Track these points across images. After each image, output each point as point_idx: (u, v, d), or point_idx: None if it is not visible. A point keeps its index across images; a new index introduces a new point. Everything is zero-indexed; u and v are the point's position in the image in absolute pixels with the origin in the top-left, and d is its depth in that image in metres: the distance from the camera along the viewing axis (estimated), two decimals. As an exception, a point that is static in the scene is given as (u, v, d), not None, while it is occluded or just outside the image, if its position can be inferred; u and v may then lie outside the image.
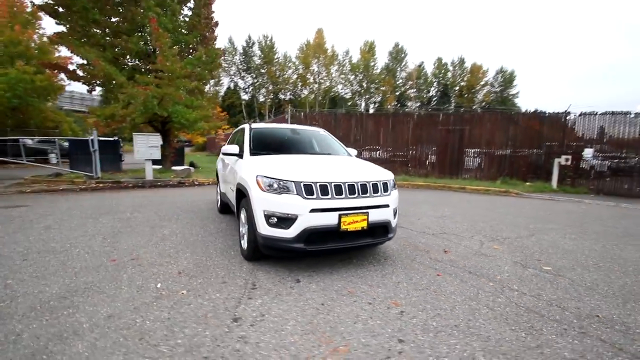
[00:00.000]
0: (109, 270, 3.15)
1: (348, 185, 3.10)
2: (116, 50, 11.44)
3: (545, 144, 11.57)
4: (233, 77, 50.07)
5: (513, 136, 11.86)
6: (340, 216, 3.00)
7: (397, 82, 54.55)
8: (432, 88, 56.33)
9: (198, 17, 12.56)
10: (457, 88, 56.66)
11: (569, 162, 10.67)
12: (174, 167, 13.73)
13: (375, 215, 3.19)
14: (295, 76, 51.33)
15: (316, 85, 51.58)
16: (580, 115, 11.07)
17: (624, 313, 2.53)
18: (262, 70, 49.94)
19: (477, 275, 3.23)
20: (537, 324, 2.34)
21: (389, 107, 50.52)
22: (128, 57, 12.23)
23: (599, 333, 2.24)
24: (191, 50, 13.03)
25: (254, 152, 3.99)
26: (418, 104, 55.18)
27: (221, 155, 5.63)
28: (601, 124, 11.04)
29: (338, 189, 3.05)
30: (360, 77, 52.88)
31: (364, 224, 3.11)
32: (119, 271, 3.12)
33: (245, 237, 3.51)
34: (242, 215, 3.63)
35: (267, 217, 3.01)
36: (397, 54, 53.47)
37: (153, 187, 9.68)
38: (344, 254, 3.72)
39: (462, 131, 12.46)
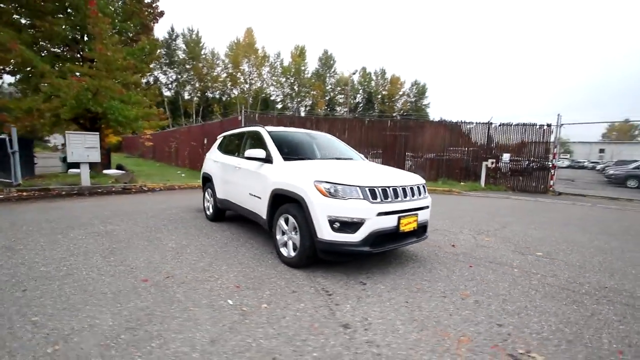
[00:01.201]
0: (152, 292, 2.76)
1: (402, 188, 3.31)
2: (36, 32, 9.52)
3: (471, 149, 13.54)
4: (154, 70, 45.36)
5: (449, 142, 13.57)
6: (399, 218, 3.18)
7: (327, 88, 56.57)
8: (359, 95, 59.96)
9: (139, 3, 11.25)
10: (379, 96, 61.40)
11: (493, 165, 12.68)
12: (105, 171, 12.01)
13: (422, 216, 3.46)
14: (225, 75, 49.12)
15: (247, 86, 50.21)
16: (500, 125, 13.25)
17: (619, 282, 3.28)
18: (188, 66, 46.47)
19: (498, 264, 3.75)
20: (577, 298, 2.89)
21: (319, 111, 52.04)
22: (49, 42, 10.28)
23: (619, 299, 2.89)
24: (129, 41, 11.59)
25: (285, 157, 3.89)
26: (346, 110, 58.08)
27: (217, 158, 5.27)
28: (512, 133, 13.43)
29: (395, 193, 3.23)
30: (292, 81, 53.34)
31: (415, 225, 3.36)
32: (166, 292, 2.76)
33: (290, 243, 3.44)
34: (281, 222, 3.54)
35: (332, 222, 3.02)
36: (327, 61, 55.51)
37: (95, 195, 8.35)
38: (372, 256, 3.89)
39: (407, 137, 13.75)
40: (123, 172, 12.14)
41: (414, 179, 3.60)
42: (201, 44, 46.22)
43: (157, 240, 4.27)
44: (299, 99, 54.87)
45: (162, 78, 46.24)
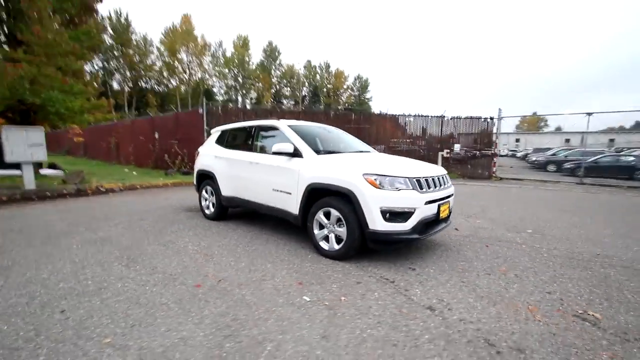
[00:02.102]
0: (216, 296, 2.59)
1: (437, 178, 3.54)
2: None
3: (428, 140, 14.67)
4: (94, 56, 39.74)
5: (402, 134, 14.47)
6: (439, 206, 3.42)
7: (273, 80, 55.60)
8: (304, 88, 60.08)
9: (79, -22, 9.81)
10: (325, 89, 62.26)
11: (448, 155, 13.90)
12: (43, 171, 10.41)
13: (451, 203, 3.76)
14: (160, 63, 45.20)
15: (186, 76, 46.89)
16: (452, 118, 14.51)
17: (604, 250, 3.95)
18: (116, 53, 41.65)
19: (506, 242, 4.24)
20: (585, 265, 3.43)
21: (266, 103, 50.99)
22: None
23: (615, 263, 3.50)
24: (69, 23, 10.07)
25: (317, 151, 3.86)
26: (293, 102, 57.82)
27: (220, 154, 4.98)
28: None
29: (433, 182, 3.46)
30: (236, 72, 51.26)
31: (448, 211, 3.64)
32: (231, 295, 2.61)
33: (332, 237, 3.47)
34: (321, 216, 3.54)
35: (384, 213, 3.13)
36: (272, 52, 54.41)
37: (46, 200, 7.25)
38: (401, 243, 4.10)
39: (369, 129, 14.31)
40: (62, 171, 10.62)
41: (440, 169, 3.86)
42: (131, 29, 41.74)
43: (171, 244, 3.93)
44: (244, 91, 53.03)
45: (86, 66, 40.72)
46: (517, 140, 52.35)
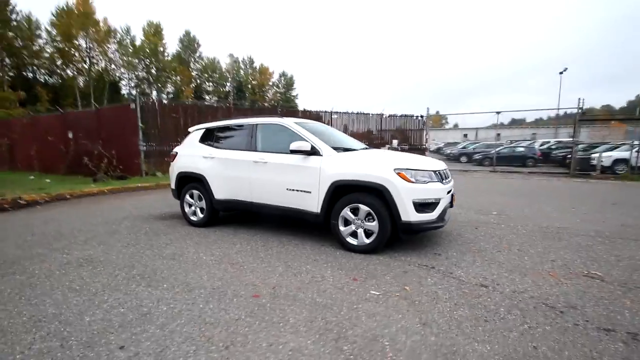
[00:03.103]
0: (286, 303, 2.47)
1: (446, 170, 3.92)
2: None
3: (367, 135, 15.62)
4: None
5: (350, 131, 15.15)
6: (452, 196, 3.80)
7: (193, 74, 51.71)
8: (228, 84, 57.36)
9: None
10: (250, 86, 60.47)
11: (388, 149, 15.04)
12: None
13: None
14: (52, 49, 37.94)
15: (86, 65, 40.37)
16: (389, 115, 15.70)
17: (560, 223, 4.88)
18: (-14, 33, 33.32)
19: (487, 224, 4.89)
20: (572, 237, 4.19)
21: (188, 99, 47.21)
22: None
23: (577, 231, 4.38)
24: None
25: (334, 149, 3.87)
26: (216, 98, 54.73)
27: (212, 154, 4.59)
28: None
29: (445, 174, 3.82)
30: (148, 62, 46.14)
31: (454, 201, 4.06)
32: (300, 300, 2.52)
33: (361, 232, 3.57)
34: (347, 213, 3.60)
35: (416, 204, 3.36)
36: (190, 43, 50.43)
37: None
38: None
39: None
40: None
41: (443, 163, 4.27)
42: (10, 7, 33.90)
43: (179, 257, 3.52)
44: (159, 85, 48.12)
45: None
46: (426, 135, 58.86)
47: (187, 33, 50.30)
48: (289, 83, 64.80)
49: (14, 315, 2.32)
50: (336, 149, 3.92)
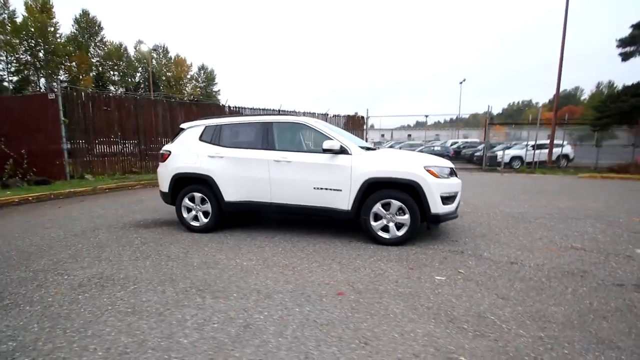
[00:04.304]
0: (390, 299, 2.59)
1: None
2: None
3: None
4: None
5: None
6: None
7: (94, 61, 44.61)
8: (138, 73, 51.21)
9: None
10: (164, 77, 55.05)
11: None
12: None
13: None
14: None
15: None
16: (334, 115, 16.28)
17: (517, 210, 5.93)
18: None
19: (467, 212, 5.66)
20: (536, 219, 5.14)
21: (88, 89, 40.54)
22: None
23: (535, 216, 5.40)
24: None
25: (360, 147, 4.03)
26: (122, 89, 48.33)
27: (221, 153, 4.28)
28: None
29: (456, 171, 4.33)
30: (33, 44, 38.16)
31: (455, 193, 4.62)
32: (388, 294, 2.66)
33: (392, 225, 3.83)
34: (379, 208, 3.83)
35: (443, 197, 3.77)
36: (89, 25, 43.26)
37: None
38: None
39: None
40: None
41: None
42: None
43: (217, 265, 3.26)
44: (48, 71, 40.22)
45: None
46: (366, 134, 62.39)
47: (85, 13, 42.97)
48: (209, 77, 61.03)
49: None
50: (363, 148, 4.09)
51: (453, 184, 3.87)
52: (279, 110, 14.55)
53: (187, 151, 4.44)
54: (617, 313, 2.34)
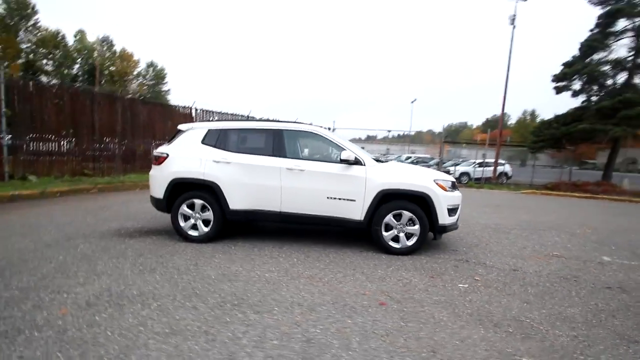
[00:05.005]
0: (432, 305, 2.67)
1: (448, 180, 4.74)
2: None
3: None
4: None
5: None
6: (456, 201, 4.65)
7: (24, 47, 39.36)
8: (77, 65, 46.36)
9: None
10: (107, 72, 50.52)
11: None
12: None
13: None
14: None
15: None
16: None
17: (486, 220, 6.50)
18: None
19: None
20: (512, 230, 5.66)
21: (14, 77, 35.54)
22: None
23: (505, 228, 5.96)
24: None
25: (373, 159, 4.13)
26: (56, 81, 43.28)
27: (228, 158, 4.07)
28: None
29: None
30: (-57, 20, 32.53)
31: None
32: (426, 302, 2.76)
33: (402, 235, 3.97)
34: (391, 219, 3.95)
35: (449, 209, 4.01)
36: (21, 7, 38.19)
37: None
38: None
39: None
40: None
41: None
42: None
43: (240, 278, 3.07)
44: (-39, 54, 34.46)
45: None
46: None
47: (13, -9, 37.89)
48: (158, 75, 57.49)
49: None
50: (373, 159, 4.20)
51: (456, 197, 4.14)
52: (247, 117, 14.24)
53: (188, 155, 4.14)
54: (620, 312, 2.70)
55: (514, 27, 15.54)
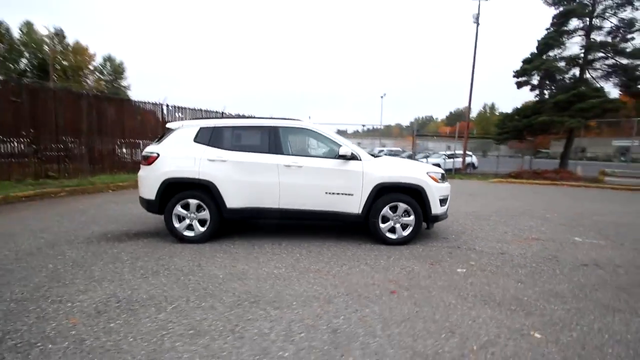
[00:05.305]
0: (441, 291, 2.82)
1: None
2: None
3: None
4: None
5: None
6: (444, 192, 4.89)
7: (-41, 37, 35.33)
8: (24, 59, 42.50)
9: None
10: (59, 67, 46.80)
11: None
12: None
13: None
14: None
15: None
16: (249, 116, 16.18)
17: (467, 209, 6.88)
18: None
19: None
20: (488, 218, 6.02)
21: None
22: None
23: (484, 215, 6.35)
24: None
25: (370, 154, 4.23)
26: (1, 77, 39.46)
27: (223, 156, 4.00)
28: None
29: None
30: None
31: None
32: (433, 289, 2.92)
33: (398, 226, 4.13)
34: (387, 211, 4.09)
35: (440, 200, 4.22)
36: (-48, -8, 34.19)
37: None
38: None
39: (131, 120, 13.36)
40: None
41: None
42: None
43: (250, 276, 3.07)
44: None
45: None
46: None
47: (-56, -25, 33.88)
48: (117, 70, 54.14)
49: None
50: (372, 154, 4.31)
51: (446, 187, 4.36)
52: (222, 113, 13.87)
53: (181, 154, 4.01)
54: (600, 286, 3.01)
55: (478, 25, 16.36)
